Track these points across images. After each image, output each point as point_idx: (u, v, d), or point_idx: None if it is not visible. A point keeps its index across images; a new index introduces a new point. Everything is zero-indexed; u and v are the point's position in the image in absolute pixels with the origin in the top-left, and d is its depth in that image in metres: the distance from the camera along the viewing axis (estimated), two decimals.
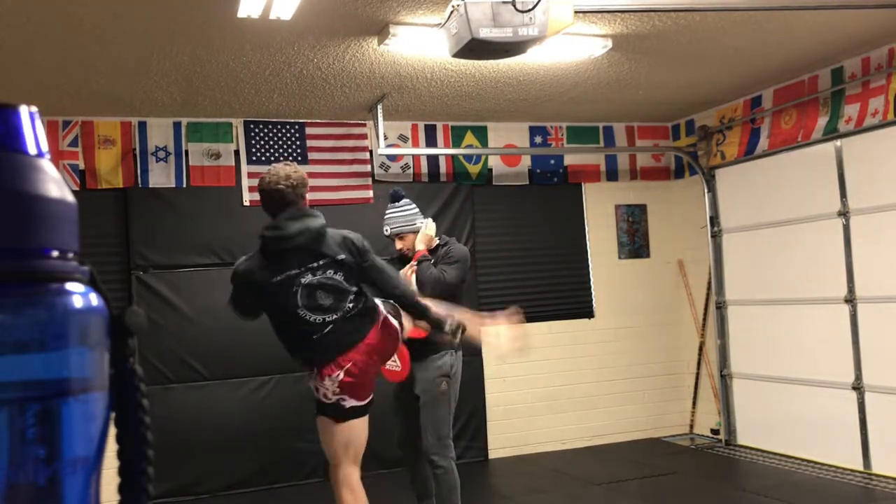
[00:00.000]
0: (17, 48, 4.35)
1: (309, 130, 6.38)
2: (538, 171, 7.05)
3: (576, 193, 7.22)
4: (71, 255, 0.81)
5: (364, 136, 6.50)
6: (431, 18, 4.28)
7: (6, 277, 0.74)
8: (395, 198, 4.52)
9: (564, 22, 3.62)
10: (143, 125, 6.00)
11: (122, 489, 0.87)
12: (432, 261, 4.34)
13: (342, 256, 3.50)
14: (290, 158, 6.20)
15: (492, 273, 6.88)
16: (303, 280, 3.46)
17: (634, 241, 7.38)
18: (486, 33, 3.46)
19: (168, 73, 4.98)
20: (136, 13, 3.99)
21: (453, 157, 6.75)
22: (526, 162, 7.03)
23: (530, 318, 6.95)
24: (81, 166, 5.84)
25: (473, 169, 6.82)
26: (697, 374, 7.30)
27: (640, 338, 7.27)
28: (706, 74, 5.82)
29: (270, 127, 6.29)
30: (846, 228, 5.70)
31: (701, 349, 7.22)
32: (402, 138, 6.67)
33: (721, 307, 6.89)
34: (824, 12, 4.56)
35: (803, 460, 6.02)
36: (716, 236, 6.91)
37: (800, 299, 6.10)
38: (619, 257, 7.32)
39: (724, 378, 6.85)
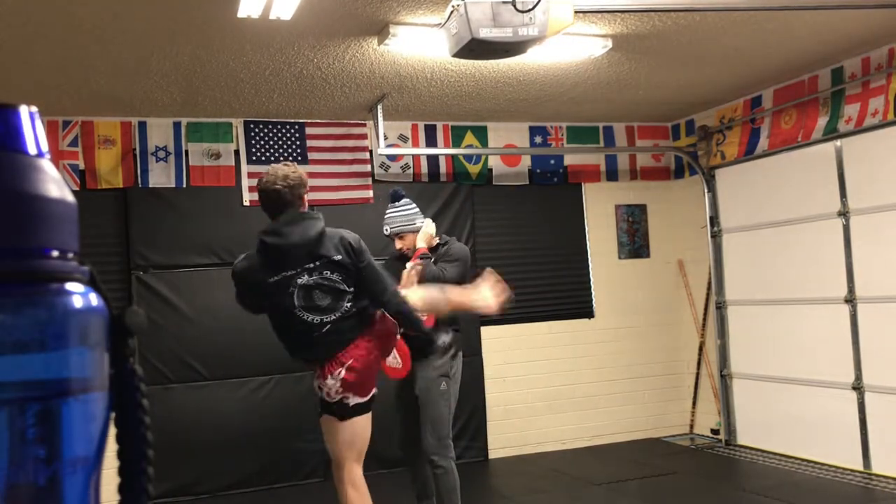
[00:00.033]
0: (17, 48, 4.35)
1: (309, 130, 6.38)
2: (538, 171, 7.05)
3: (576, 193, 7.22)
4: (71, 255, 0.81)
5: (364, 136, 6.50)
6: (431, 18, 4.28)
7: (6, 277, 0.74)
8: (395, 197, 4.52)
9: (564, 22, 3.62)
10: (143, 125, 6.00)
11: (122, 489, 0.87)
12: (432, 259, 4.34)
13: (338, 257, 3.50)
14: (290, 158, 6.20)
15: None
16: (299, 281, 3.46)
17: (634, 241, 7.38)
18: (486, 33, 3.46)
19: (168, 73, 4.98)
20: (136, 13, 3.99)
21: (453, 157, 6.75)
22: (526, 162, 7.03)
23: (530, 318, 7.00)
24: (81, 166, 5.84)
25: (473, 169, 6.82)
26: (697, 374, 7.30)
27: (640, 338, 7.28)
28: (706, 74, 5.82)
29: (270, 127, 6.29)
30: (846, 228, 5.70)
31: (701, 349, 7.22)
32: (402, 138, 6.67)
33: (721, 307, 6.89)
34: (824, 12, 4.56)
35: (803, 460, 6.02)
36: (716, 236, 6.91)
37: (800, 299, 6.10)
38: (619, 257, 7.32)
39: (724, 378, 6.85)
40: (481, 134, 6.88)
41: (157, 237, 5.98)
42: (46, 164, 0.81)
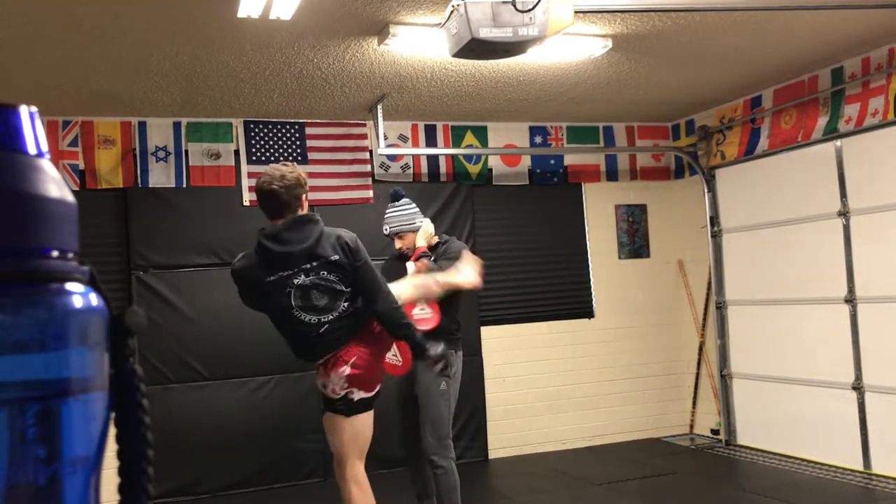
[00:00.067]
0: (17, 48, 4.35)
1: (309, 130, 6.38)
2: (538, 171, 7.05)
3: (576, 193, 7.22)
4: (71, 255, 0.81)
5: (364, 136, 6.50)
6: (431, 18, 4.28)
7: (6, 277, 0.74)
8: (395, 197, 4.52)
9: (564, 22, 3.62)
10: (143, 125, 6.00)
11: (122, 489, 0.87)
12: (432, 257, 4.35)
13: (335, 257, 3.49)
14: (290, 158, 6.20)
15: (492, 273, 6.85)
16: (296, 281, 3.46)
17: (634, 241, 7.38)
18: (486, 33, 3.46)
19: (168, 73, 4.98)
20: (136, 13, 3.99)
21: (453, 157, 6.75)
22: (526, 162, 7.03)
23: (530, 318, 7.00)
24: (81, 166, 5.84)
25: (473, 169, 6.82)
26: (697, 374, 7.30)
27: (640, 338, 7.28)
28: (706, 74, 5.82)
29: (270, 127, 6.29)
30: (846, 228, 5.70)
31: (701, 349, 7.22)
32: (402, 138, 6.67)
33: (721, 307, 6.89)
34: (824, 12, 4.56)
35: (803, 460, 6.02)
36: (716, 236, 6.91)
37: (800, 299, 6.10)
38: (619, 257, 7.32)
39: (724, 378, 6.85)
40: (481, 134, 6.88)
41: (157, 237, 5.98)
42: (46, 164, 0.81)
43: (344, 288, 3.51)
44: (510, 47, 3.59)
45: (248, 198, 6.09)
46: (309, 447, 5.95)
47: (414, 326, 3.67)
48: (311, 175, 6.18)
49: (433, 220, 6.38)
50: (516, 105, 6.34)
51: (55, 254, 0.79)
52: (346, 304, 3.52)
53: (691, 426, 7.34)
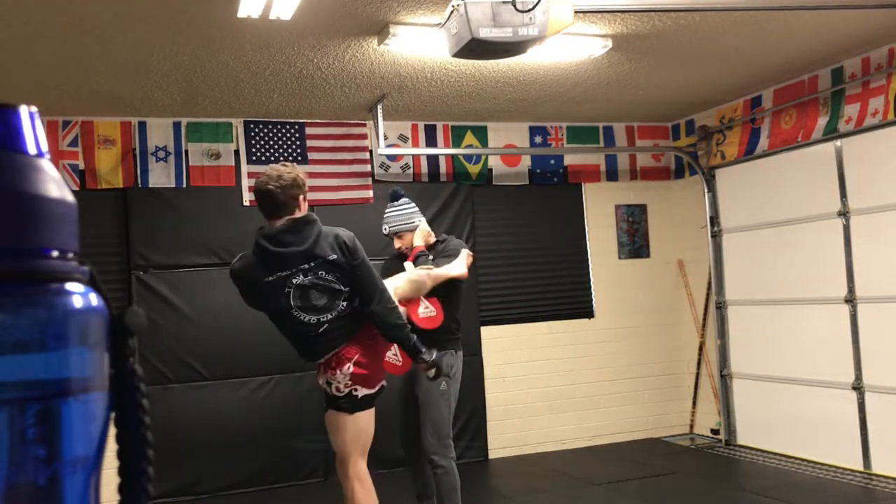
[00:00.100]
0: (17, 48, 4.35)
1: (309, 130, 6.38)
2: (538, 171, 7.06)
3: (576, 193, 7.22)
4: (71, 255, 0.81)
5: (364, 136, 6.50)
6: (431, 18, 4.28)
7: (6, 277, 0.74)
8: (394, 197, 4.54)
9: (564, 22, 3.62)
10: (143, 125, 6.00)
11: (122, 489, 0.87)
12: (430, 256, 4.36)
13: (333, 257, 3.49)
14: (290, 158, 6.20)
15: (492, 273, 6.88)
16: (294, 281, 3.46)
17: (634, 241, 7.38)
18: (486, 33, 3.46)
19: (168, 73, 4.98)
20: (136, 13, 3.99)
21: (453, 157, 6.75)
22: (526, 162, 7.03)
23: (530, 318, 7.00)
24: (81, 166, 5.84)
25: (473, 169, 6.82)
26: (697, 374, 7.30)
27: (640, 338, 7.28)
28: (706, 74, 5.82)
29: (270, 127, 6.29)
30: (846, 228, 5.70)
31: (701, 349, 7.22)
32: (402, 138, 6.67)
33: (721, 307, 6.89)
34: (824, 12, 4.56)
35: (803, 460, 6.02)
36: (716, 236, 6.91)
37: (800, 299, 6.10)
38: (619, 257, 7.32)
39: (724, 378, 6.85)
40: (481, 134, 6.88)
41: (157, 237, 5.98)
42: (46, 164, 0.81)
43: (342, 287, 3.51)
44: (510, 47, 3.59)
45: (248, 198, 6.09)
46: (309, 447, 5.95)
47: (409, 328, 3.66)
48: (312, 175, 6.19)
49: (433, 221, 6.43)
50: (516, 105, 6.34)
51: (55, 254, 0.79)
52: (344, 304, 3.53)
53: (691, 426, 7.34)
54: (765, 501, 5.12)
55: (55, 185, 0.80)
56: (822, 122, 5.83)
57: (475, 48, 3.56)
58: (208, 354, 6.00)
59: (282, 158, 6.14)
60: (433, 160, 6.72)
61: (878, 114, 5.40)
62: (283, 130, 6.32)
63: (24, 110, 0.82)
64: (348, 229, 3.67)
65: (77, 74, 4.89)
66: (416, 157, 6.66)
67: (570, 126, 7.14)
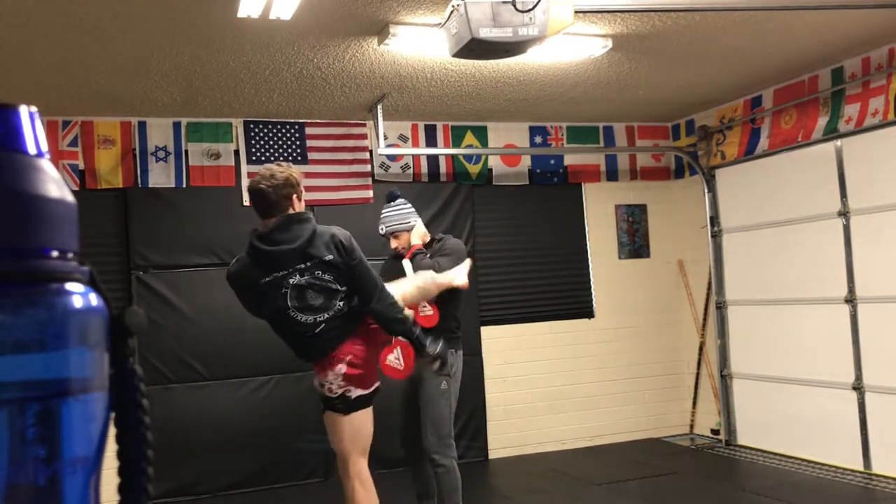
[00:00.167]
0: (17, 48, 4.35)
1: (309, 130, 6.38)
2: (538, 171, 7.06)
3: (576, 193, 7.22)
4: (71, 255, 0.81)
5: (364, 136, 6.50)
6: (431, 18, 4.28)
7: (6, 277, 0.74)
8: (391, 198, 4.55)
9: (564, 22, 3.62)
10: (142, 125, 6.00)
11: (121, 489, 0.87)
12: (427, 254, 4.37)
13: (329, 257, 3.48)
14: (290, 158, 6.20)
15: (492, 273, 6.88)
16: (291, 281, 3.46)
17: (634, 241, 7.38)
18: (486, 33, 3.46)
19: (168, 73, 4.98)
20: (136, 13, 3.99)
21: (453, 157, 6.75)
22: (526, 162, 7.03)
23: (530, 318, 7.00)
24: (81, 166, 5.84)
25: (473, 169, 6.82)
26: (697, 374, 7.30)
27: (640, 338, 7.28)
28: (706, 74, 5.82)
29: (270, 127, 6.29)
30: (846, 228, 5.70)
31: (701, 349, 7.22)
32: (402, 138, 6.67)
33: (721, 307, 6.89)
34: (824, 12, 4.56)
35: (803, 460, 6.02)
36: (716, 236, 6.91)
37: (800, 299, 6.10)
38: (619, 257, 7.32)
39: (724, 378, 6.85)
40: (481, 134, 6.88)
41: (156, 237, 5.98)
42: (46, 164, 0.81)
43: (339, 287, 3.51)
44: (510, 47, 3.59)
45: (247, 198, 6.07)
46: (309, 447, 5.95)
47: (411, 322, 3.67)
48: (312, 175, 6.20)
49: (433, 220, 6.43)
50: (516, 105, 6.34)
51: (55, 254, 0.79)
52: (341, 304, 3.52)
53: (691, 426, 7.34)
54: (765, 501, 5.12)
55: (55, 185, 0.80)
56: (823, 122, 5.83)
57: (475, 48, 3.56)
58: (208, 354, 6.00)
59: (282, 158, 6.14)
60: (433, 160, 6.72)
61: (878, 114, 5.39)
62: (283, 130, 6.32)
63: (24, 110, 0.82)
64: (348, 229, 3.66)
65: (77, 74, 4.89)
66: (416, 157, 6.66)
67: (570, 126, 7.14)
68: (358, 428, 3.62)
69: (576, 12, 3.68)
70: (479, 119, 6.76)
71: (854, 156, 5.64)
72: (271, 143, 6.27)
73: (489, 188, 6.90)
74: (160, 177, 6.01)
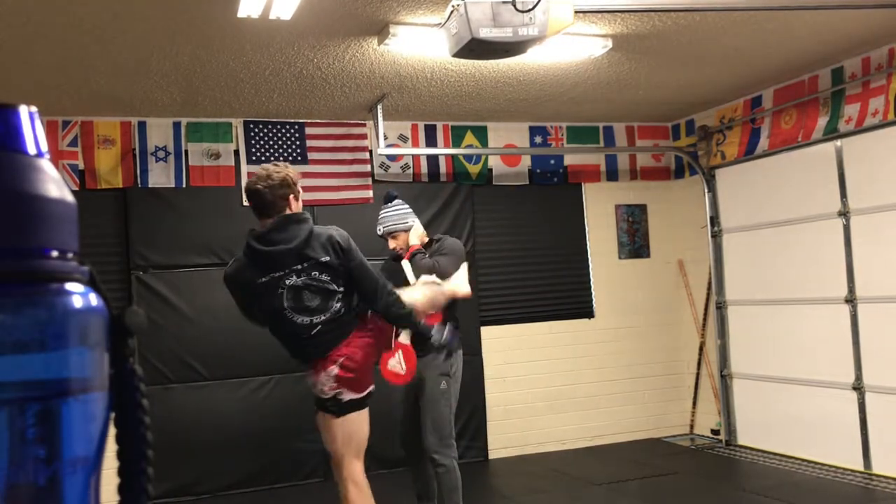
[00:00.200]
0: (17, 48, 4.35)
1: (309, 130, 6.38)
2: (538, 171, 7.05)
3: (576, 193, 7.22)
4: (71, 255, 0.81)
5: (364, 136, 6.50)
6: (431, 18, 4.28)
7: (6, 277, 0.74)
8: (389, 199, 4.56)
9: (564, 22, 3.62)
10: (142, 125, 6.00)
11: (121, 489, 0.87)
12: (427, 254, 4.38)
13: (326, 258, 3.47)
14: (290, 158, 6.20)
15: (492, 273, 6.88)
16: (287, 282, 3.45)
17: (634, 241, 7.38)
18: (486, 33, 3.46)
19: (168, 73, 4.98)
20: (136, 13, 3.99)
21: (453, 157, 6.75)
22: (526, 162, 7.03)
23: (530, 318, 7.00)
24: (81, 166, 5.84)
25: (473, 169, 6.82)
26: (697, 374, 7.30)
27: (640, 338, 7.27)
28: (706, 74, 5.82)
29: (270, 127, 6.29)
30: (846, 228, 5.70)
31: (701, 349, 7.22)
32: (402, 138, 6.67)
33: (721, 307, 6.89)
34: (824, 12, 4.56)
35: (803, 460, 6.02)
36: (716, 236, 6.91)
37: (800, 299, 6.10)
38: (619, 257, 7.32)
39: (725, 378, 6.85)
40: (481, 134, 6.88)
41: (156, 237, 5.98)
42: (46, 164, 0.81)
43: (337, 287, 3.49)
44: (510, 47, 3.59)
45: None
46: (309, 447, 5.94)
47: (414, 314, 3.67)
48: (312, 175, 6.20)
49: (433, 220, 6.44)
50: (516, 105, 6.34)
51: (55, 254, 0.79)
52: (338, 305, 3.50)
53: (691, 426, 7.34)
54: (765, 501, 5.12)
55: (55, 185, 0.80)
56: (823, 122, 5.83)
57: (475, 48, 3.56)
58: (208, 354, 6.00)
59: (282, 158, 6.14)
60: (433, 160, 6.71)
61: (878, 114, 5.39)
62: (283, 130, 6.32)
63: (24, 110, 0.82)
64: (348, 229, 3.66)
65: (77, 74, 4.89)
66: (416, 157, 6.66)
67: (570, 126, 7.14)
68: (351, 430, 3.59)
69: (576, 12, 3.68)
70: (479, 119, 6.76)
71: (854, 156, 5.64)
72: (271, 143, 6.27)
73: (489, 188, 6.90)
74: (160, 177, 6.01)
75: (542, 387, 6.90)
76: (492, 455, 6.69)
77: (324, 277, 3.47)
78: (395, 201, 4.53)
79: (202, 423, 5.93)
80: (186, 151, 6.09)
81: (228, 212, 6.10)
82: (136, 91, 5.32)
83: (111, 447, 0.85)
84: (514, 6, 3.46)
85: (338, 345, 3.50)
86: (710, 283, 7.01)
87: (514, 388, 6.83)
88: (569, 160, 7.14)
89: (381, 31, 4.44)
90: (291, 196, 3.54)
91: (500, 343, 6.81)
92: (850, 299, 5.67)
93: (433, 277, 4.12)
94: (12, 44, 4.28)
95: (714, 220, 6.92)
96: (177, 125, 6.08)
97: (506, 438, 6.75)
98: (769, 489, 5.38)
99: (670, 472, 6.00)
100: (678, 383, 7.39)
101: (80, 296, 0.79)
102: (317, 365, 3.53)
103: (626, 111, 6.87)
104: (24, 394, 0.74)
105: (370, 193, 6.44)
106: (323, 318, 3.48)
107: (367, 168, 6.47)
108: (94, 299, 0.81)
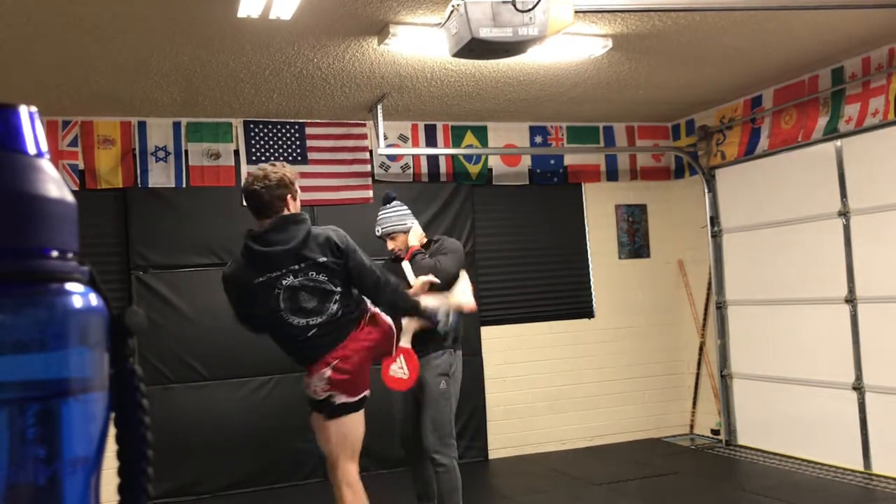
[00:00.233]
0: (17, 48, 4.35)
1: (309, 130, 6.38)
2: (538, 171, 7.05)
3: (576, 193, 7.22)
4: (71, 255, 0.81)
5: (364, 136, 6.50)
6: (431, 18, 4.28)
7: (6, 277, 0.74)
8: (387, 200, 4.56)
9: (564, 22, 3.62)
10: (142, 125, 6.00)
11: (121, 489, 0.87)
12: (427, 254, 4.37)
13: (322, 259, 3.45)
14: (290, 158, 6.20)
15: (492, 273, 6.88)
16: (284, 282, 3.44)
17: (634, 241, 7.38)
18: (486, 33, 3.46)
19: (168, 73, 4.98)
20: (136, 13, 3.99)
21: (453, 157, 6.75)
22: (526, 162, 7.03)
23: (530, 318, 7.00)
24: (81, 166, 5.84)
25: (473, 169, 6.82)
26: (697, 374, 7.30)
27: (640, 338, 7.28)
28: (706, 74, 5.82)
29: (270, 127, 6.29)
30: (846, 228, 5.70)
31: (701, 349, 7.22)
32: (402, 138, 6.67)
33: (721, 307, 6.89)
34: (824, 12, 4.56)
35: (803, 460, 6.02)
36: (716, 236, 6.91)
37: (800, 299, 6.10)
38: (619, 257, 7.32)
39: (724, 378, 6.85)
40: (481, 134, 6.88)
41: (156, 237, 5.98)
42: (46, 164, 0.81)
43: (334, 288, 3.48)
44: (510, 47, 3.59)
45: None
46: (309, 447, 5.92)
47: (417, 303, 3.70)
48: (312, 175, 6.20)
49: (433, 221, 6.44)
50: (516, 105, 6.34)
51: (55, 254, 0.79)
52: (335, 307, 3.48)
53: (691, 426, 7.34)
54: (765, 501, 5.12)
55: (55, 185, 0.80)
56: (823, 122, 5.83)
57: (475, 48, 3.56)
58: (208, 354, 6.00)
59: (282, 158, 6.14)
60: (433, 160, 6.71)
61: (878, 114, 5.39)
62: (283, 130, 6.32)
63: (24, 110, 0.82)
64: (348, 229, 3.65)
65: (77, 74, 4.89)
66: (416, 157, 6.66)
67: (570, 126, 7.14)
68: (345, 432, 3.57)
69: (576, 12, 3.68)
70: (479, 119, 6.76)
71: (854, 156, 5.64)
72: (271, 143, 6.27)
73: (489, 188, 6.90)
74: (160, 177, 6.01)
75: (542, 387, 6.90)
76: (492, 455, 6.69)
77: (321, 278, 3.46)
78: (394, 202, 4.53)
79: (202, 423, 5.93)
80: (186, 151, 6.09)
81: (228, 212, 6.10)
82: (136, 91, 5.32)
83: (111, 447, 0.85)
84: (514, 6, 3.46)
85: (334, 348, 3.48)
86: (710, 283, 7.01)
87: (514, 388, 6.83)
88: (569, 160, 7.14)
89: (381, 31, 4.44)
90: (289, 196, 3.53)
91: (500, 343, 6.81)
92: (850, 299, 5.67)
93: (431, 277, 4.12)
94: (12, 44, 4.28)
95: (714, 220, 6.92)
96: (177, 125, 6.08)
97: (506, 438, 6.75)
98: (769, 489, 5.38)
99: (670, 472, 6.00)
100: (678, 383, 7.39)
101: (80, 296, 0.79)
102: (311, 367, 3.53)
103: (626, 111, 6.87)
104: (24, 394, 0.74)
105: (370, 193, 6.44)
106: (319, 320, 3.46)
107: (367, 168, 6.47)
108: (94, 299, 0.81)
